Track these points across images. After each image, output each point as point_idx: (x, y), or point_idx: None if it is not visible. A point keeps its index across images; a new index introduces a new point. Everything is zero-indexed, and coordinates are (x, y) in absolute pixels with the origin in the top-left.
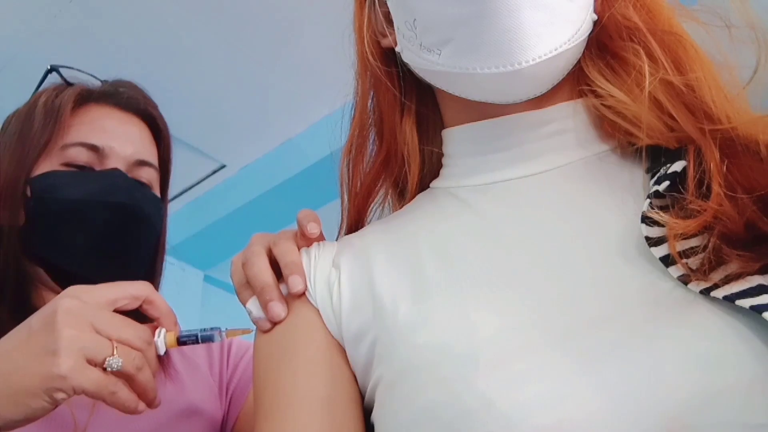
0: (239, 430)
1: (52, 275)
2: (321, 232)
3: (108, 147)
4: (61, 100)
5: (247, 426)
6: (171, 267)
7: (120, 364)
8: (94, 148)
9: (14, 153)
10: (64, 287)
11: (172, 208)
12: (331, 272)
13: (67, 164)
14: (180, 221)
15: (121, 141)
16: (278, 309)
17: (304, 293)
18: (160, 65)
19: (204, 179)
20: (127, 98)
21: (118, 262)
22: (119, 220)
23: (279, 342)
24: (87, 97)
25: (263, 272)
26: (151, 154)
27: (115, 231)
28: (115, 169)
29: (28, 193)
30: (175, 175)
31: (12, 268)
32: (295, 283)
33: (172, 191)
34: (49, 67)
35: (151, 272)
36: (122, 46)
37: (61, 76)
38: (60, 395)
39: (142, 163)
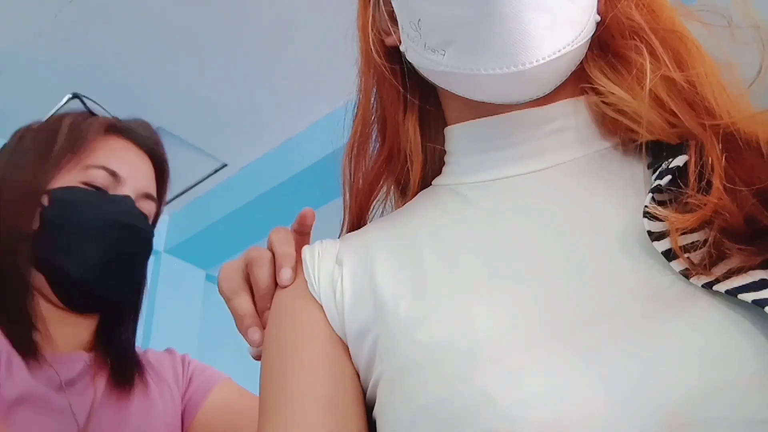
0: None
1: (53, 282)
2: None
3: (125, 175)
4: (90, 126)
5: None
6: (173, 266)
7: None
8: (113, 174)
9: (33, 164)
10: (59, 296)
11: (174, 207)
12: (334, 269)
13: (86, 183)
14: (182, 220)
15: (135, 173)
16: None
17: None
18: (160, 65)
19: (205, 178)
20: (144, 137)
21: (119, 273)
22: (126, 238)
23: (284, 339)
24: (112, 128)
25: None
26: (153, 190)
27: (121, 247)
28: (128, 197)
29: (46, 202)
30: (176, 174)
31: (16, 271)
32: (285, 276)
33: (174, 190)
34: (71, 95)
35: (139, 290)
36: (122, 46)
37: (85, 105)
38: None
39: (147, 196)
